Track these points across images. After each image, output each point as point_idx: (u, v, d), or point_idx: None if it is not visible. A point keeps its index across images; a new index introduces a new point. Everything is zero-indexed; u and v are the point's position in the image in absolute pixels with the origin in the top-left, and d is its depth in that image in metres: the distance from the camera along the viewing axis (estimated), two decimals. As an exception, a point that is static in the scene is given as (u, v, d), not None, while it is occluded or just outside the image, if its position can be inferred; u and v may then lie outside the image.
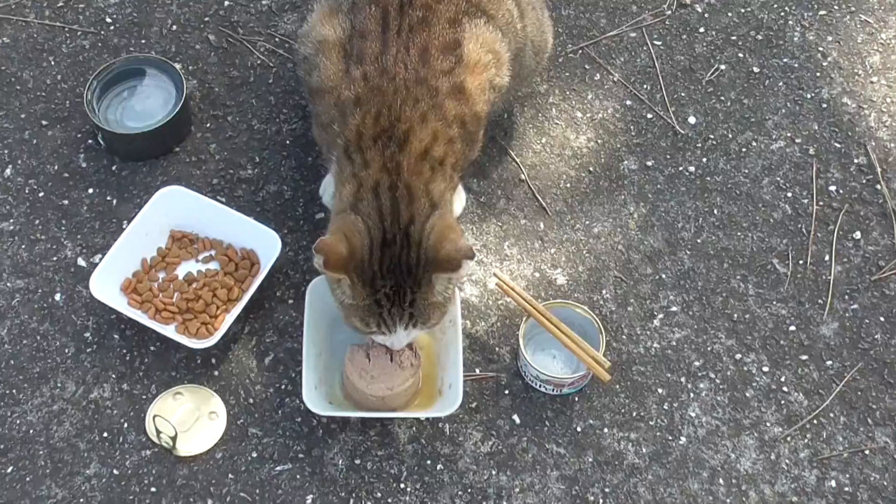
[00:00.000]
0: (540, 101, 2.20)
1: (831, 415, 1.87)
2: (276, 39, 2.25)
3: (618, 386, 1.89)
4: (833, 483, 1.81)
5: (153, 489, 1.78)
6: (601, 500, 1.79)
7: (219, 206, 1.97)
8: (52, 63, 2.21)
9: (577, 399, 1.88)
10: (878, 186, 2.09)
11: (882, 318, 1.95)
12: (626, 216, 2.07)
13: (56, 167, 2.08)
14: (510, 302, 1.95)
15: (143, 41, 2.24)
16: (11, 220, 2.02)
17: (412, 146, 1.68)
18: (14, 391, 1.86)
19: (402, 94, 1.70)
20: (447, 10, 1.76)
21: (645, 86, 2.22)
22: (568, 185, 2.10)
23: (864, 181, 2.10)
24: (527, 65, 1.99)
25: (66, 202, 2.05)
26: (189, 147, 2.12)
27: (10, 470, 1.79)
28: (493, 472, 1.81)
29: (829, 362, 1.92)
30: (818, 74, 2.24)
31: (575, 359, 1.88)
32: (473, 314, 1.95)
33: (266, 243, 1.93)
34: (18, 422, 1.83)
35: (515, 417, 1.86)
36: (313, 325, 1.85)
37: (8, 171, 2.08)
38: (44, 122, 2.14)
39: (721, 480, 1.81)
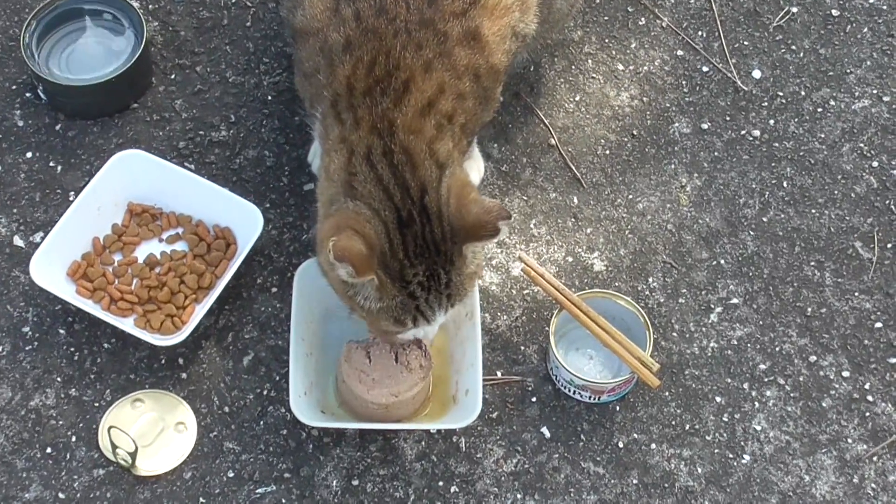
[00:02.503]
0: (573, 51, 2.21)
1: (926, 429, 1.89)
2: (255, -27, 2.26)
3: (667, 393, 1.91)
4: (928, 511, 1.82)
5: (108, 515, 1.79)
6: (648, 531, 1.80)
7: (187, 175, 1.98)
8: (-18, 0, 2.22)
9: (618, 409, 1.89)
10: (982, 155, 2.10)
11: None
12: (677, 189, 2.08)
13: (-13, 126, 2.09)
14: (538, 291, 1.96)
15: (92, -26, 2.24)
16: (-66, 191, 2.03)
17: (411, 98, 1.68)
18: (-62, 397, 1.87)
19: (402, 38, 1.70)
20: (461, -59, 1.76)
21: (700, 33, 2.24)
22: (607, 151, 2.11)
23: (966, 149, 2.12)
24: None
25: (-1, 169, 2.06)
26: (150, 103, 2.13)
27: (-66, 492, 1.80)
28: (519, 496, 1.82)
29: (923, 366, 1.93)
30: (911, 19, 2.26)
31: (616, 360, 1.89)
32: (494, 306, 1.96)
33: (244, 220, 1.94)
34: (-56, 434, 1.84)
35: (545, 430, 1.87)
36: (302, 319, 1.86)
37: (-71, 131, 2.09)
38: (-28, 72, 2.15)
39: (793, 508, 1.83)
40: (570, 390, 1.88)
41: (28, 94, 2.12)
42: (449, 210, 1.65)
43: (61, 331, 1.92)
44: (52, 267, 1.90)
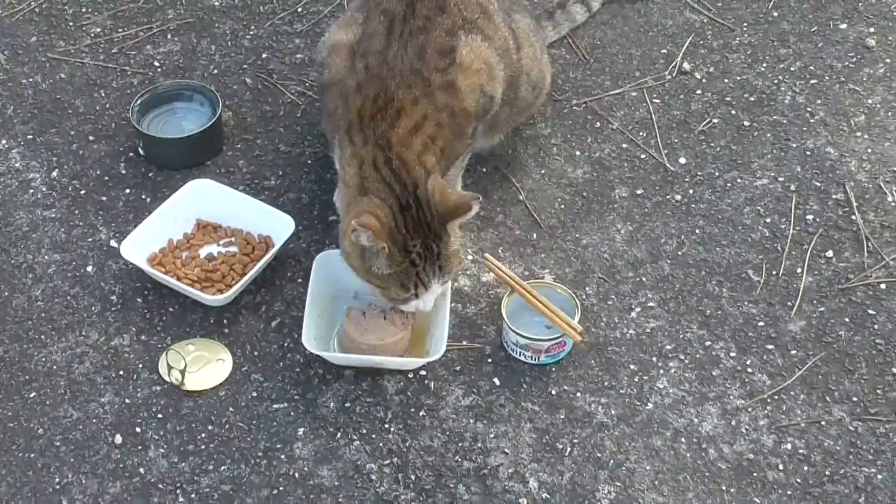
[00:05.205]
0: (543, 141, 2.91)
1: (792, 393, 2.44)
2: (307, 84, 3.02)
3: (593, 361, 2.49)
4: (789, 446, 2.36)
5: (159, 416, 2.40)
6: (569, 449, 2.36)
7: (241, 196, 2.68)
8: (103, 95, 3.01)
9: (554, 369, 2.48)
10: (854, 217, 2.74)
11: (847, 319, 2.55)
12: (614, 232, 2.73)
13: (98, 172, 2.83)
14: (501, 292, 2.58)
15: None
16: (54, 210, 2.75)
17: (402, 122, 2.36)
18: (42, 336, 2.52)
19: (396, 80, 2.39)
20: (445, 23, 2.48)
21: (641, 133, 2.94)
22: (562, 206, 2.78)
23: (841, 213, 2.75)
24: (523, 96, 2.70)
25: (104, 198, 2.78)
26: (220, 161, 2.86)
27: (32, 395, 2.42)
28: (471, 422, 2.39)
29: (793, 351, 2.51)
30: (805, 129, 2.94)
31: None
32: (465, 299, 2.59)
33: (281, 227, 2.61)
34: (44, 360, 2.48)
35: (496, 380, 2.46)
36: (318, 293, 2.50)
37: (55, 174, 2.82)
38: (91, 138, 2.91)
39: (683, 439, 2.37)
40: (516, 352, 2.48)
41: (131, 154, 2.86)
42: (434, 200, 2.31)
43: (139, 300, 2.58)
44: (136, 253, 2.57)
